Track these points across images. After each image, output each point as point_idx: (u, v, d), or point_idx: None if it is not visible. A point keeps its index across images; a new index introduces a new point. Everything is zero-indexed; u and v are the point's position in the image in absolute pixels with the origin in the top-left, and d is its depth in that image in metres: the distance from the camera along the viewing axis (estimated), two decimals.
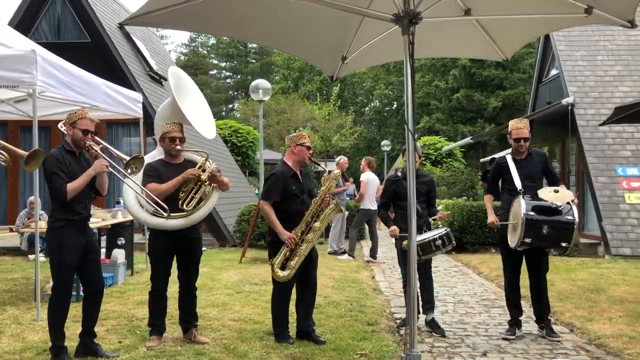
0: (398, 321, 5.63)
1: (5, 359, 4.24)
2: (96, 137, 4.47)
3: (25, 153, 3.59)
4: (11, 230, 6.77)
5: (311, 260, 4.90)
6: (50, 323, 4.24)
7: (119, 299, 6.39)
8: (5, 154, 3.35)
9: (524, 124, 5.17)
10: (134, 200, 4.79)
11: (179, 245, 4.69)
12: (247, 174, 20.49)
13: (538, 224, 4.71)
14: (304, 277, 4.89)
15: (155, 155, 5.06)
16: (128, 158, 4.31)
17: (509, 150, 5.35)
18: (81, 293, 4.73)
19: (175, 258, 4.78)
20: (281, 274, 4.70)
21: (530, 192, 4.94)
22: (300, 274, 4.82)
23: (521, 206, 4.75)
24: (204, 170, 4.70)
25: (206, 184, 4.71)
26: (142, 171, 4.62)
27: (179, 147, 4.70)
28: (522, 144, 5.12)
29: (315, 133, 26.49)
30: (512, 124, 5.22)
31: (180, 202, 4.62)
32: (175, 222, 4.60)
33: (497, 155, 19.00)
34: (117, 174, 4.39)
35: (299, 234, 4.75)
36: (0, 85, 5.64)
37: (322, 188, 4.89)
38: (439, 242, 5.00)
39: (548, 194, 4.84)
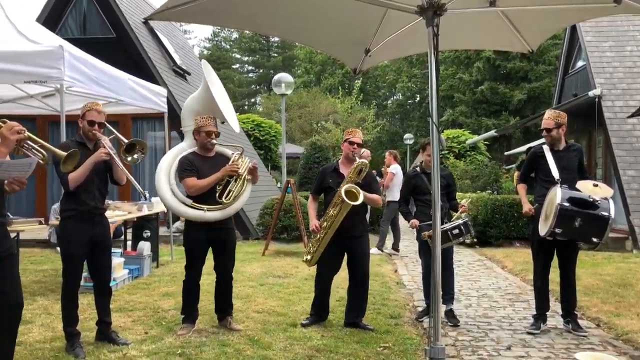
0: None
1: (36, 348, 4.34)
2: (112, 129, 4.57)
3: (63, 153, 3.68)
4: (40, 222, 6.90)
5: (358, 256, 5.09)
6: (62, 309, 4.39)
7: (144, 290, 6.50)
8: (43, 152, 3.42)
9: (550, 114, 5.11)
10: (171, 195, 4.89)
11: (215, 236, 4.81)
12: (269, 167, 20.59)
13: (571, 216, 4.60)
14: (352, 274, 5.13)
15: (184, 147, 5.12)
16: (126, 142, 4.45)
17: (536, 142, 5.31)
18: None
19: (210, 249, 4.90)
20: (304, 258, 5.19)
21: (566, 184, 4.84)
22: (350, 270, 5.13)
23: (557, 195, 4.65)
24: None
25: (242, 177, 4.80)
26: (177, 165, 4.85)
27: (214, 141, 4.80)
28: (545, 134, 5.10)
29: (337, 127, 26.46)
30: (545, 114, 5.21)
31: (217, 195, 4.73)
32: (212, 215, 4.73)
33: (519, 150, 18.68)
34: (118, 161, 4.40)
35: (324, 224, 4.97)
36: (29, 80, 5.77)
37: (346, 178, 4.97)
38: (456, 231, 4.99)
39: (587, 187, 4.75)
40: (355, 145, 5.09)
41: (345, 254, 5.14)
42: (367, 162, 5.06)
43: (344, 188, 4.86)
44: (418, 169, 5.61)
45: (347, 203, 4.81)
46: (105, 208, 4.64)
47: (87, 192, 4.31)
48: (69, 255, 4.34)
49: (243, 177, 4.83)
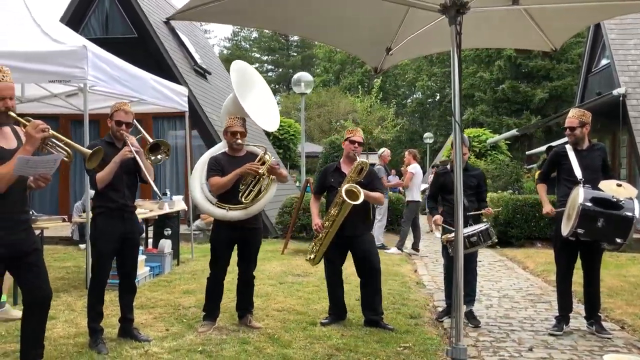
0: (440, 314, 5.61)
1: (60, 343, 4.41)
2: (140, 128, 4.61)
3: (87, 151, 3.76)
4: (64, 220, 7.01)
5: (361, 254, 5.11)
6: (88, 305, 4.46)
7: (165, 287, 6.56)
8: (68, 149, 3.50)
9: (575, 113, 5.05)
10: (200, 192, 4.98)
11: (240, 236, 4.86)
12: (288, 166, 20.62)
13: (594, 216, 4.52)
14: (359, 272, 5.18)
15: (220, 147, 5.23)
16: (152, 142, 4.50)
17: (557, 142, 5.23)
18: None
19: (236, 247, 4.96)
20: (308, 256, 5.21)
21: (589, 183, 4.76)
22: (356, 268, 5.18)
23: (579, 195, 4.57)
24: (263, 163, 4.80)
25: (264, 177, 4.82)
26: (206, 164, 4.93)
27: (239, 141, 4.85)
28: (569, 133, 5.03)
29: (357, 126, 26.40)
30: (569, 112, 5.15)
31: (240, 195, 4.77)
32: (235, 214, 4.77)
33: (540, 149, 18.41)
34: (140, 161, 4.40)
35: (326, 223, 5.02)
36: (54, 80, 5.86)
37: (346, 177, 4.99)
38: (474, 238, 4.90)
39: (611, 187, 4.66)
40: (356, 144, 5.13)
41: (351, 253, 5.18)
42: (367, 161, 5.09)
43: (344, 188, 4.87)
44: (448, 166, 5.55)
45: (348, 203, 4.82)
46: (136, 206, 4.71)
47: (117, 191, 4.38)
48: (99, 251, 4.41)
49: (265, 176, 4.85)
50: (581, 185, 4.71)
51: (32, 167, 3.19)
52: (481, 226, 5.02)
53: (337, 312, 5.24)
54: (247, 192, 4.79)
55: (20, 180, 3.28)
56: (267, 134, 18.68)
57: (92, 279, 4.46)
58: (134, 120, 4.58)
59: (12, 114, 3.30)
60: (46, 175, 3.26)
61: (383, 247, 10.09)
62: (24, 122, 3.33)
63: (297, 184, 17.74)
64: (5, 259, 3.32)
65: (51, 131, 3.35)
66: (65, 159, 3.43)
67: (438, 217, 5.30)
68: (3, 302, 5.13)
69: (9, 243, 3.29)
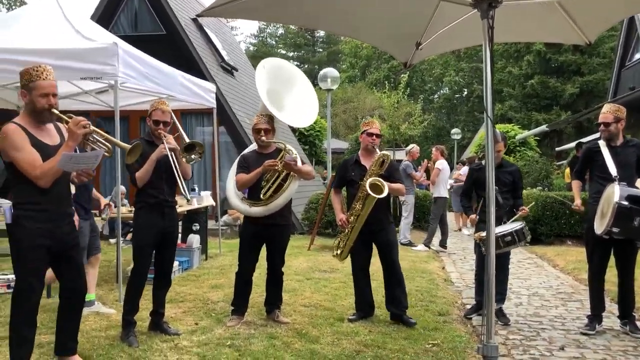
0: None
1: (92, 336, 4.49)
2: (178, 126, 4.66)
3: (127, 146, 3.85)
4: (96, 215, 7.11)
5: (383, 245, 5.13)
6: (125, 297, 4.54)
7: (194, 282, 6.62)
8: (108, 145, 3.59)
9: (609, 108, 4.94)
10: (233, 187, 5.02)
11: (267, 232, 4.88)
12: (314, 163, 20.62)
13: (630, 214, 4.41)
14: (383, 264, 5.18)
15: (255, 145, 5.25)
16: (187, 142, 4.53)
17: (588, 138, 5.13)
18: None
19: (265, 244, 4.99)
20: (335, 252, 5.23)
21: (624, 181, 4.64)
22: (381, 260, 5.17)
23: (615, 192, 4.46)
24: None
25: (283, 173, 4.81)
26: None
27: (263, 138, 4.87)
28: (603, 129, 4.92)
29: (384, 122, 26.28)
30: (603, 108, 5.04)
31: (261, 191, 4.79)
32: (256, 210, 4.81)
33: (570, 145, 18.06)
34: (173, 159, 4.44)
35: (351, 218, 5.01)
36: (86, 77, 5.94)
37: (369, 171, 5.00)
38: (508, 238, 4.79)
39: None
40: (374, 137, 5.13)
41: (374, 246, 5.19)
42: (388, 153, 5.09)
43: (368, 182, 4.85)
44: (483, 162, 5.48)
45: (373, 197, 4.81)
46: (176, 201, 4.78)
47: (156, 188, 4.45)
48: (139, 245, 4.49)
49: (283, 173, 4.82)
50: (616, 182, 4.60)
51: (75, 163, 3.31)
52: (516, 225, 4.90)
53: (364, 307, 5.23)
54: (266, 188, 4.80)
55: (65, 175, 3.41)
56: (293, 130, 18.71)
57: (132, 273, 4.53)
58: (174, 118, 4.64)
59: (55, 111, 3.40)
60: (88, 171, 3.41)
61: (410, 244, 10.03)
62: (66, 118, 3.43)
63: (324, 181, 17.74)
64: (51, 251, 3.41)
65: (92, 127, 3.43)
66: (106, 154, 3.53)
67: (473, 217, 5.26)
68: (92, 299, 5.27)
69: (55, 236, 3.40)
